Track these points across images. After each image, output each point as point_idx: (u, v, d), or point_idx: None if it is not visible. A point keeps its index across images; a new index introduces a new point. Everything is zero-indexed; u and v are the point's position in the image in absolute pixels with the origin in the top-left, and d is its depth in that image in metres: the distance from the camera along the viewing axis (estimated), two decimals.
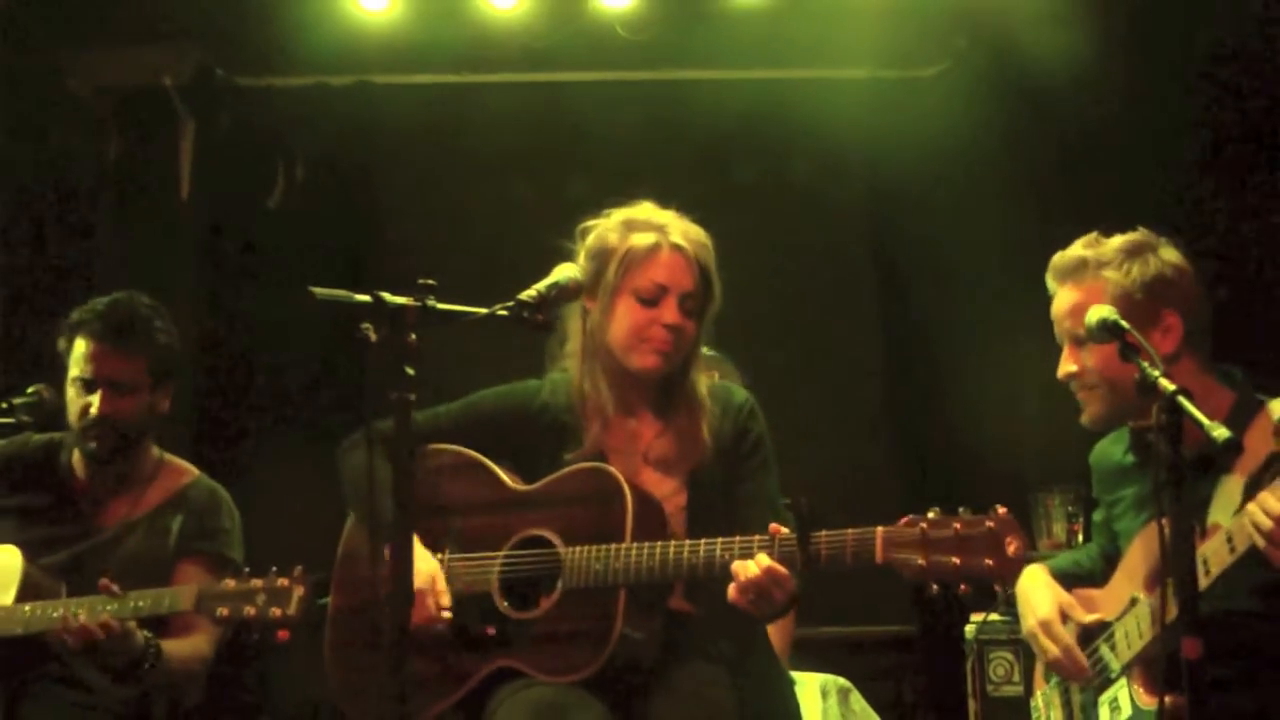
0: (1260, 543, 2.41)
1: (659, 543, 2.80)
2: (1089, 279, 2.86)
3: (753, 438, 3.10)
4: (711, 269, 3.09)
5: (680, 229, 3.08)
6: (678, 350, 3.04)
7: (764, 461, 3.10)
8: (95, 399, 3.39)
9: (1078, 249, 2.92)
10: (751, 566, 2.67)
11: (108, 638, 3.01)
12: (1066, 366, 2.91)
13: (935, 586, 2.57)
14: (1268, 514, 2.40)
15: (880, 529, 2.62)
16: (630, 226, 3.08)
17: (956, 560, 2.54)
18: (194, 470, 3.61)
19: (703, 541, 2.77)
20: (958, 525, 2.55)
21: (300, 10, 5.27)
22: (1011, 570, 2.55)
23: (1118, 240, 2.89)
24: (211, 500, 3.55)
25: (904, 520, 2.61)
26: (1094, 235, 2.93)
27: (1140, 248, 2.86)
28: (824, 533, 2.67)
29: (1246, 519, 2.45)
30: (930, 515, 2.58)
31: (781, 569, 2.66)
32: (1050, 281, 2.96)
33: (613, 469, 2.94)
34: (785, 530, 2.70)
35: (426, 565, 2.92)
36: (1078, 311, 2.82)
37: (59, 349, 3.48)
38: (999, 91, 5.19)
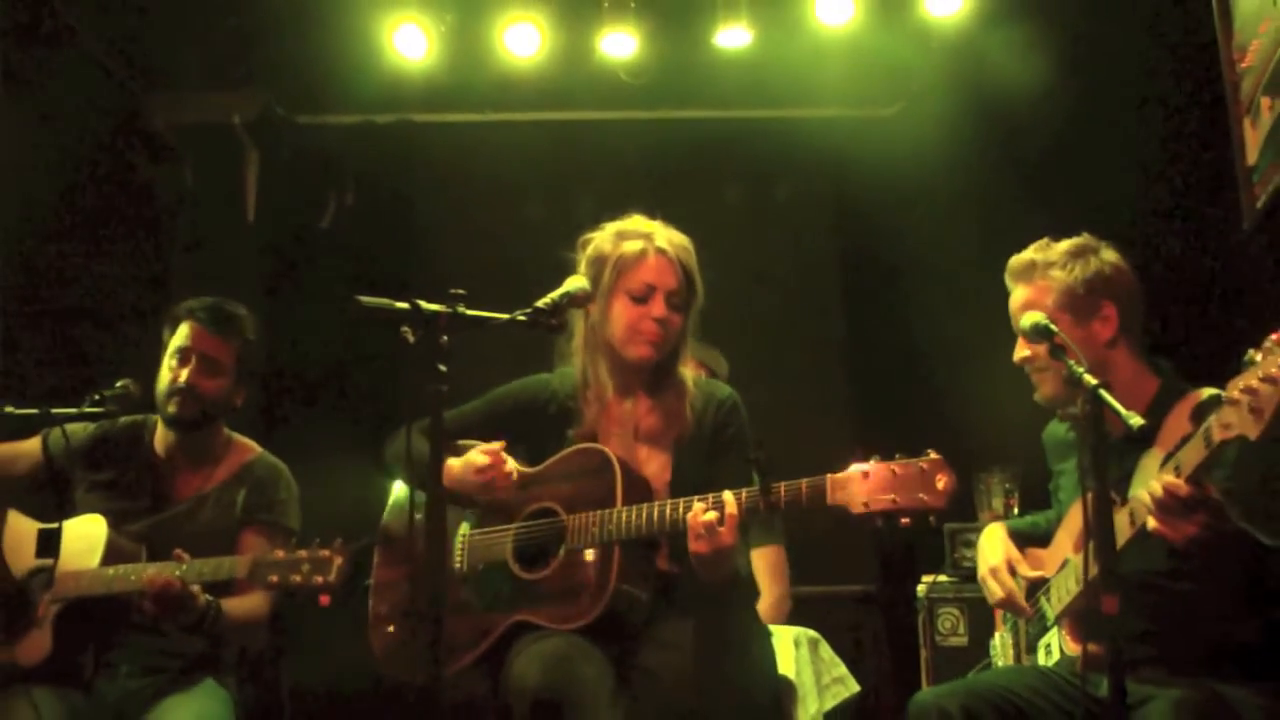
0: (1151, 523, 2.42)
1: (645, 504, 2.82)
2: (1038, 278, 2.87)
3: (732, 430, 3.10)
4: (693, 269, 3.10)
5: (665, 235, 3.10)
6: (666, 340, 3.05)
7: (741, 450, 3.09)
8: (187, 370, 3.39)
9: (1029, 253, 2.92)
10: (731, 498, 2.69)
11: (173, 597, 3.03)
12: (1021, 352, 2.91)
13: (880, 521, 2.57)
14: (1150, 496, 2.42)
15: (830, 475, 2.63)
16: (621, 236, 3.10)
17: (895, 497, 2.55)
18: (257, 448, 3.60)
19: (681, 500, 2.78)
20: (895, 468, 2.57)
21: (350, 58, 5.27)
22: (942, 503, 2.55)
23: (1064, 244, 2.89)
24: (272, 474, 3.54)
25: (849, 466, 2.61)
26: (1044, 241, 2.93)
27: (1083, 250, 2.87)
28: (783, 483, 2.68)
29: (1139, 507, 2.46)
30: (872, 461, 2.59)
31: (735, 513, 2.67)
32: (1008, 281, 2.96)
33: (603, 447, 2.96)
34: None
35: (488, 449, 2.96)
36: (1029, 306, 2.83)
37: (163, 338, 3.49)
38: (948, 127, 5.20)
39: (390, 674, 3.04)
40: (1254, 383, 2.16)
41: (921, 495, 2.54)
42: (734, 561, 2.79)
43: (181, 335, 3.43)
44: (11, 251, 4.67)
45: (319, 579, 2.96)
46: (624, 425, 3.11)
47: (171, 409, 3.41)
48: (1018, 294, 2.92)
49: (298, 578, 2.98)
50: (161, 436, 3.51)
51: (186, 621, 3.11)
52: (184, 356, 3.41)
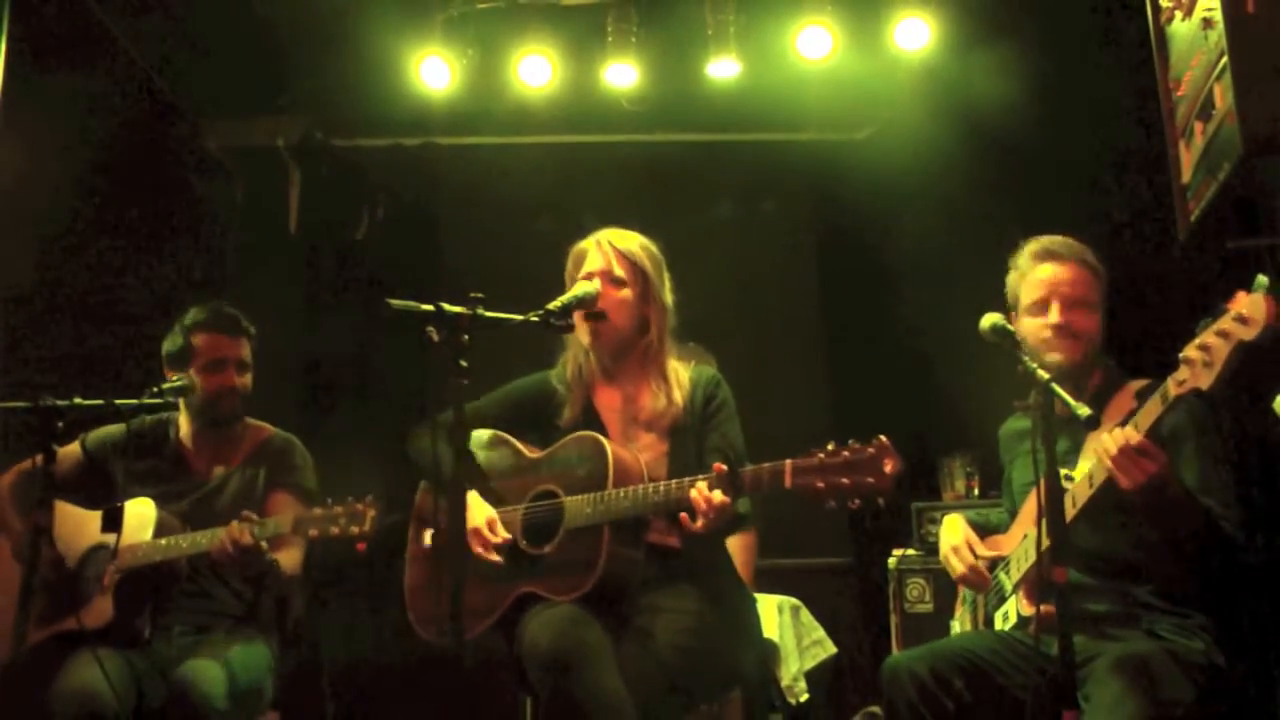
0: (1107, 463, 2.43)
1: (632, 487, 2.81)
2: (1087, 266, 2.88)
3: (718, 401, 3.10)
4: (633, 253, 3.10)
5: (609, 234, 3.13)
6: (608, 320, 3.04)
7: (728, 417, 3.10)
8: (226, 376, 3.44)
9: (1074, 242, 2.92)
10: (700, 497, 2.68)
11: (248, 550, 3.07)
12: (1058, 318, 2.85)
13: (833, 503, 2.52)
14: (1111, 443, 2.42)
15: (789, 461, 2.59)
16: (582, 242, 3.15)
17: (846, 480, 2.50)
18: (270, 427, 3.62)
19: (661, 483, 2.78)
20: (846, 453, 2.52)
21: (381, 87, 5.27)
22: (888, 485, 2.50)
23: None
24: (287, 446, 3.57)
25: (807, 452, 2.58)
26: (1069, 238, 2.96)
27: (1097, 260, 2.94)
28: (749, 467, 2.67)
29: (1101, 454, 2.46)
30: (829, 447, 2.55)
31: (719, 497, 2.66)
32: (1047, 258, 2.90)
33: (598, 435, 2.95)
34: (724, 467, 2.68)
35: (484, 512, 2.95)
36: (1076, 282, 2.85)
37: (172, 348, 3.50)
38: (915, 149, 5.20)
39: (424, 636, 3.05)
40: (1209, 339, 2.20)
41: (869, 479, 2.49)
42: (732, 514, 2.76)
43: (205, 346, 3.45)
44: (81, 262, 4.68)
45: (355, 529, 2.99)
46: (620, 411, 3.12)
47: (224, 410, 3.47)
48: (1069, 268, 2.88)
49: (336, 529, 3.01)
50: (187, 428, 3.54)
51: (254, 570, 3.16)
52: (219, 364, 3.45)
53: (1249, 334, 2.14)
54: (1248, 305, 2.15)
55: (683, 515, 2.70)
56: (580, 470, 2.92)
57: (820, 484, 2.53)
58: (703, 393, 3.10)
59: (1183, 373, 2.27)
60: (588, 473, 2.90)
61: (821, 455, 2.55)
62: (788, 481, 2.59)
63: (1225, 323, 2.18)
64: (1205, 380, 2.22)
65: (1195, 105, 2.83)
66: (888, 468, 2.48)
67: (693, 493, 2.69)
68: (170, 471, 3.49)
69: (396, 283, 5.54)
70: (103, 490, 3.44)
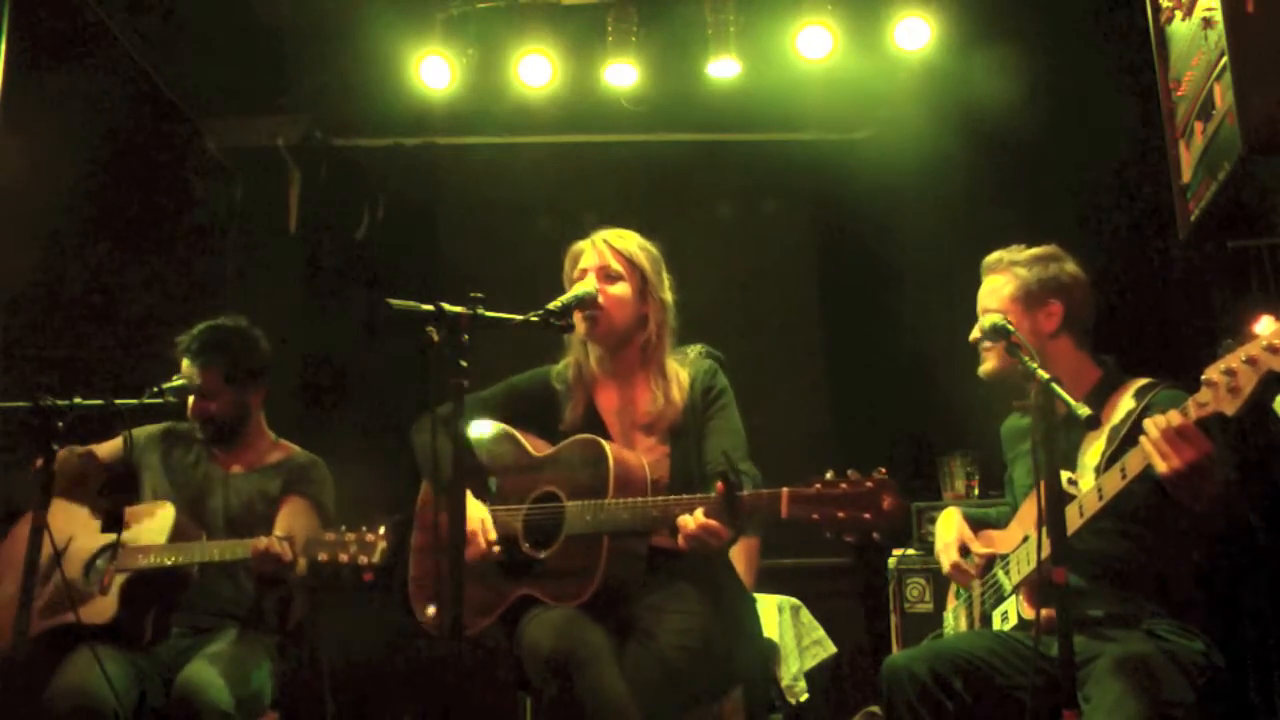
0: (1148, 447, 2.34)
1: (631, 499, 2.79)
2: (1004, 271, 2.92)
3: (717, 390, 3.10)
4: (628, 250, 3.08)
5: (606, 233, 3.12)
6: (604, 312, 3.03)
7: (726, 404, 3.08)
8: (191, 403, 3.51)
9: (1002, 251, 2.96)
10: (690, 521, 2.65)
11: (276, 559, 3.10)
12: (975, 333, 2.88)
13: (828, 534, 2.46)
14: (1154, 427, 2.35)
15: (785, 489, 2.53)
16: (579, 241, 3.14)
17: (841, 514, 2.44)
18: (296, 448, 3.68)
19: (661, 499, 2.75)
20: (844, 485, 2.45)
21: (381, 87, 5.27)
22: (885, 522, 2.42)
23: (1033, 250, 2.93)
24: (310, 462, 3.61)
25: (805, 481, 2.51)
26: (1019, 245, 2.97)
27: (1047, 257, 2.91)
28: (747, 492, 2.62)
29: (1143, 440, 2.39)
30: (827, 476, 2.48)
31: (712, 523, 2.63)
32: (981, 272, 2.99)
33: (602, 440, 2.93)
34: (723, 486, 2.63)
35: (478, 512, 2.93)
36: (992, 291, 2.91)
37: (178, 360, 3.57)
38: (914, 149, 5.20)
39: (426, 629, 3.04)
40: (1234, 364, 2.18)
41: (866, 515, 2.42)
42: (729, 539, 2.74)
43: (182, 372, 3.52)
44: (81, 262, 4.68)
45: (364, 559, 2.99)
46: (619, 413, 3.11)
47: (200, 435, 3.57)
48: (987, 282, 2.96)
49: (345, 556, 3.01)
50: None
51: (282, 575, 3.19)
52: (183, 391, 3.49)
53: None
54: None
55: (681, 527, 2.67)
56: (582, 474, 2.90)
57: (815, 516, 2.47)
58: (701, 384, 3.10)
59: (1205, 395, 2.25)
60: (589, 477, 2.88)
61: (819, 485, 2.48)
62: (784, 511, 2.53)
63: (1255, 350, 2.14)
64: (1230, 406, 2.19)
65: (1195, 105, 2.83)
66: (885, 504, 2.41)
67: (684, 519, 2.66)
68: (194, 476, 3.54)
69: (396, 283, 5.55)
70: (128, 485, 3.48)
